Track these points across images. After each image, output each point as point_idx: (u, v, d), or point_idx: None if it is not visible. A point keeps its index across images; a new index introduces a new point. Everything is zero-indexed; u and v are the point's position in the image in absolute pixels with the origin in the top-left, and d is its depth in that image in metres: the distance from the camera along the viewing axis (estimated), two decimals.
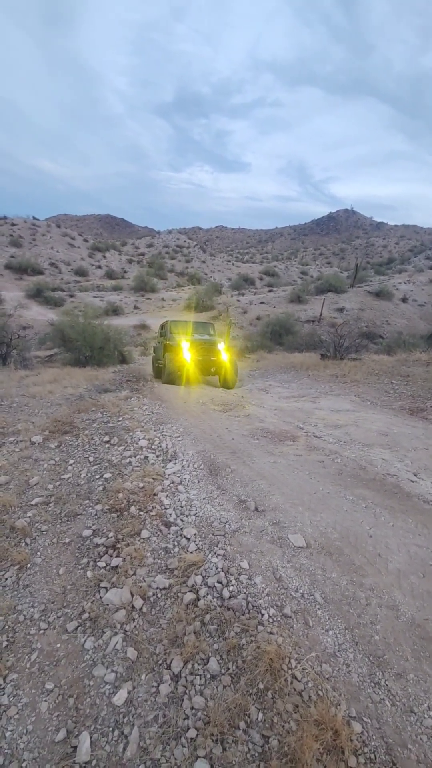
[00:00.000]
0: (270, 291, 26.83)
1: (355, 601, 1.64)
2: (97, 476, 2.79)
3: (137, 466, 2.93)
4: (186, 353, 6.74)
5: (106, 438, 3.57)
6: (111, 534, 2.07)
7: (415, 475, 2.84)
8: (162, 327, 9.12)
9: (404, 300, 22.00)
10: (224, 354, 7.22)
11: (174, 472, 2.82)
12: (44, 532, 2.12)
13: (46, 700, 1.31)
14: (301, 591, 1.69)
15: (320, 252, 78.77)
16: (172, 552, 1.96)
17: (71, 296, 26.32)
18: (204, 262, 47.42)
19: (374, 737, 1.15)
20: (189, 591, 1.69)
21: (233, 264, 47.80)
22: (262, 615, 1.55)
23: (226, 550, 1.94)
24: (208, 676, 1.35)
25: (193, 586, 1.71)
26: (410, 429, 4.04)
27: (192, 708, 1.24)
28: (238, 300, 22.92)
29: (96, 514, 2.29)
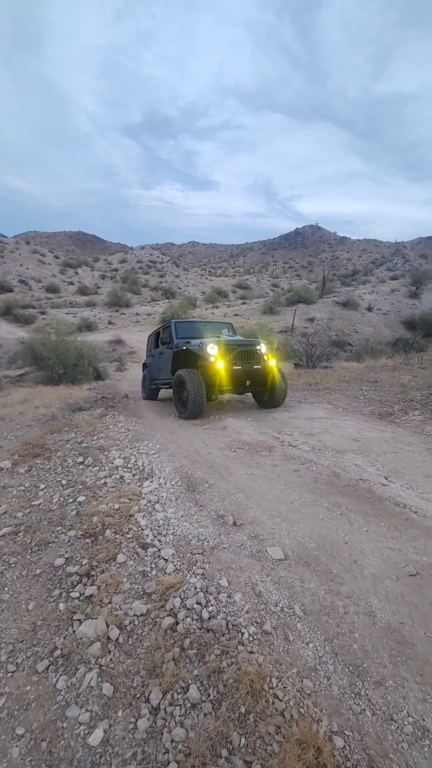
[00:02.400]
0: (243, 303, 27.36)
1: (334, 611, 1.64)
2: (71, 500, 2.69)
3: (113, 487, 2.85)
4: (219, 363, 4.81)
5: (80, 459, 3.46)
6: (85, 561, 1.98)
7: (386, 479, 2.92)
8: (160, 333, 6.94)
9: (369, 309, 23.08)
10: (269, 359, 5.38)
11: (151, 491, 2.76)
12: (13, 565, 2.00)
13: (17, 746, 1.21)
14: (281, 605, 1.68)
15: (289, 265, 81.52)
16: (149, 575, 1.89)
17: (42, 313, 25.69)
18: (178, 276, 47.81)
19: (356, 750, 1.14)
20: (167, 615, 1.63)
21: (206, 278, 48.49)
22: (242, 634, 1.52)
23: (204, 568, 1.90)
24: (189, 705, 1.29)
25: (171, 609, 1.66)
26: (380, 433, 4.18)
27: (172, 741, 1.19)
28: (212, 313, 23.19)
29: (69, 541, 2.19)
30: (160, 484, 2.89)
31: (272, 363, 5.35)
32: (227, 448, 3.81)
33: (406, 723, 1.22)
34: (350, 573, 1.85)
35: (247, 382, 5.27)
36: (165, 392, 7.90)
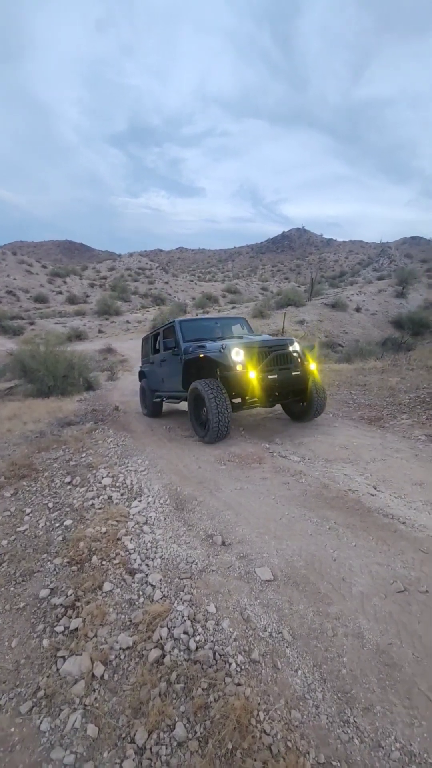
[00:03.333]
0: (233, 308, 27.48)
1: (322, 634, 1.63)
2: (57, 524, 2.64)
3: (100, 508, 2.81)
4: (251, 372, 3.82)
5: (68, 479, 3.42)
6: (70, 591, 1.94)
7: (375, 488, 2.94)
8: (159, 336, 5.96)
9: (358, 310, 23.36)
10: (308, 361, 4.44)
11: (139, 511, 2.73)
12: None
13: None
14: (269, 629, 1.66)
15: (278, 268, 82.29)
16: (136, 603, 1.86)
17: (31, 324, 25.45)
18: (167, 283, 47.86)
19: None
20: (154, 647, 1.61)
21: (196, 283, 48.62)
22: (230, 664, 1.50)
23: (192, 594, 1.88)
24: (175, 744, 1.27)
25: (158, 640, 1.63)
26: (369, 440, 4.20)
27: None
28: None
29: (54, 570, 2.15)
30: (148, 503, 2.86)
31: (312, 366, 4.39)
32: (217, 461, 3.79)
33: (393, 749, 1.21)
34: (339, 592, 1.84)
35: (284, 393, 4.38)
36: (168, 404, 6.67)
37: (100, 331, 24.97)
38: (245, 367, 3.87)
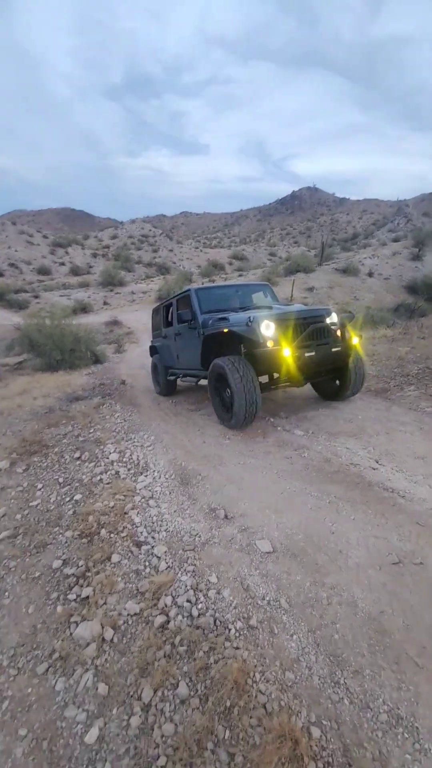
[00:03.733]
0: (240, 275, 26.66)
1: (318, 602, 1.71)
2: (67, 499, 2.76)
3: (108, 483, 2.91)
4: (285, 350, 3.26)
5: (77, 454, 3.52)
6: (81, 562, 2.06)
7: (377, 462, 2.96)
8: (172, 307, 5.43)
9: (370, 275, 22.44)
10: (350, 335, 3.91)
11: (145, 486, 2.82)
12: (12, 569, 2.09)
13: (20, 746, 1.32)
14: (268, 598, 1.75)
15: (287, 232, 78.56)
16: (142, 574, 1.97)
17: (36, 297, 25.26)
18: (171, 250, 46.35)
19: (332, 740, 1.22)
20: (159, 614, 1.72)
21: (201, 250, 47.00)
22: (229, 630, 1.60)
23: (195, 565, 1.97)
24: (178, 701, 1.38)
25: (163, 608, 1.74)
26: (375, 412, 4.17)
27: (162, 736, 1.28)
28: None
29: (66, 542, 2.27)
30: (154, 478, 2.94)
31: (355, 341, 3.87)
32: (222, 436, 3.84)
33: (381, 711, 1.30)
34: (335, 563, 1.91)
35: (321, 371, 3.93)
36: (184, 382, 5.84)
37: (105, 303, 24.70)
38: (278, 343, 3.33)
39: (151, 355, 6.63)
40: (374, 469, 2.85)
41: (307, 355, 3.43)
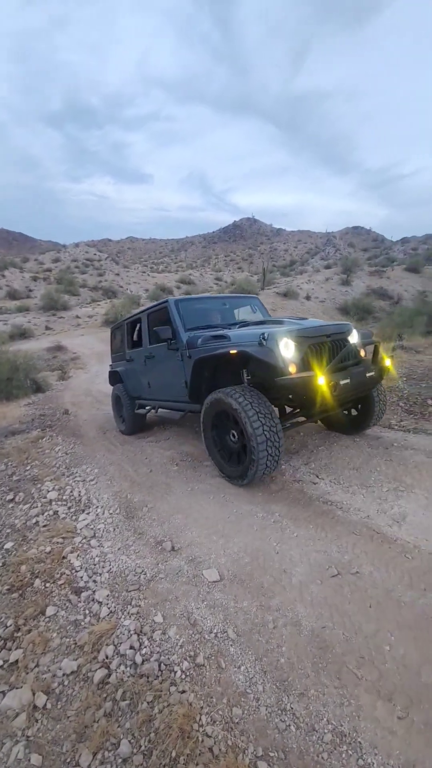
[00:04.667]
0: None
1: (264, 627, 1.71)
2: None
3: (45, 526, 2.69)
4: (320, 378, 2.56)
5: (10, 496, 3.22)
6: (10, 622, 1.84)
7: (317, 476, 3.11)
8: (141, 323, 4.61)
9: (308, 298, 24.25)
10: (382, 356, 3.25)
11: (87, 524, 2.65)
12: None
13: None
14: (215, 630, 1.72)
15: (231, 258, 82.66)
16: (82, 624, 1.82)
17: None
18: (118, 274, 45.99)
19: None
20: (100, 667, 1.59)
21: (148, 275, 47.30)
22: (175, 673, 1.53)
23: (140, 606, 1.88)
24: (120, 761, 1.27)
25: (104, 660, 1.61)
26: (314, 427, 4.42)
27: None
28: None
29: None
30: (97, 515, 2.78)
31: (387, 363, 3.23)
32: (170, 462, 3.78)
33: (326, 731, 1.31)
34: (280, 584, 1.95)
35: (351, 402, 3.36)
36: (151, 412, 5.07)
37: (47, 328, 23.44)
38: (304, 367, 2.71)
39: (112, 383, 5.61)
40: (314, 483, 2.99)
41: (342, 382, 2.68)
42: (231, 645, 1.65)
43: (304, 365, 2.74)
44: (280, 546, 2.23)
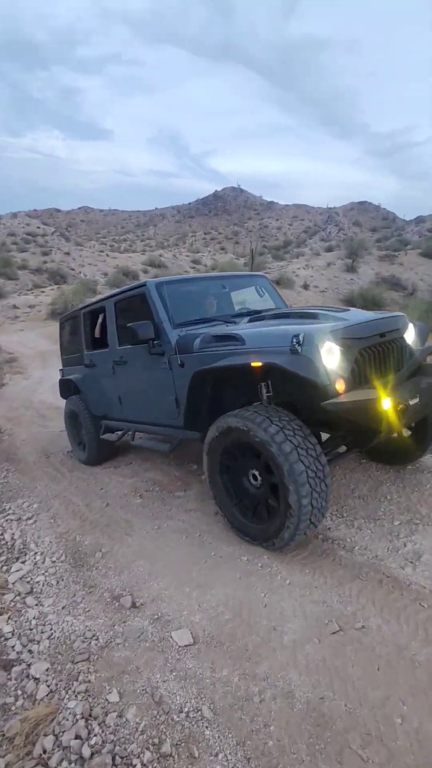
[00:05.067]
0: None
1: (248, 701, 1.71)
2: None
3: None
4: (385, 401, 2.27)
5: None
6: None
7: None
8: (100, 316, 4.38)
9: (306, 287, 24.81)
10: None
11: (22, 577, 2.59)
12: None
13: None
14: (186, 709, 1.69)
15: (211, 236, 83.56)
16: (12, 708, 1.76)
17: None
18: (68, 254, 45.47)
19: None
20: (35, 765, 1.53)
21: (108, 255, 47.03)
22: (134, 767, 1.49)
23: (89, 681, 1.83)
24: None
25: (40, 756, 1.55)
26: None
27: None
28: None
29: None
30: (35, 564, 2.71)
31: None
32: (132, 493, 3.74)
33: None
34: (268, 645, 1.95)
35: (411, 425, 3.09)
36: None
37: None
38: (358, 381, 2.44)
39: (64, 395, 5.14)
40: None
41: (412, 402, 2.43)
42: (206, 727, 1.63)
43: (354, 379, 2.41)
44: (268, 597, 2.24)
